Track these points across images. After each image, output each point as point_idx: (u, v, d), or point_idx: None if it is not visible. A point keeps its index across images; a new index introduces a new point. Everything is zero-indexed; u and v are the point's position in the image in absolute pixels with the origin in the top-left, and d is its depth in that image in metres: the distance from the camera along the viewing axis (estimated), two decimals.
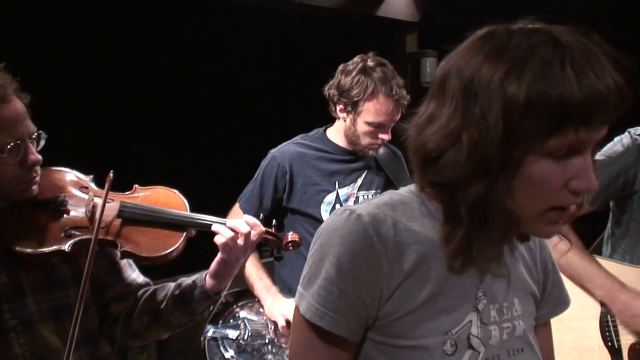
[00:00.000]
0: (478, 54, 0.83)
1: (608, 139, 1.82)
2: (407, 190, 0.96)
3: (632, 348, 1.71)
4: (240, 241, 1.41)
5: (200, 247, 1.61)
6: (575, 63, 0.78)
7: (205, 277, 1.45)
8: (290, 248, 1.60)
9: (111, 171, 1.42)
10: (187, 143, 2.92)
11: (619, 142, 1.82)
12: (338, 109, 2.13)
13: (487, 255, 0.89)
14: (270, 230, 1.55)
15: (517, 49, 0.80)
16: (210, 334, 1.98)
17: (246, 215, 1.50)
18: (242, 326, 2.00)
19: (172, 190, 1.54)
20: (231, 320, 2.02)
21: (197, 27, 2.92)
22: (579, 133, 0.80)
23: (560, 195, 0.83)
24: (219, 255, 1.43)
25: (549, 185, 0.83)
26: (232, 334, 1.98)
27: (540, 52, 0.79)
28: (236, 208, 2.20)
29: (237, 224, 1.43)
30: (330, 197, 2.13)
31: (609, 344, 1.74)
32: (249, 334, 1.98)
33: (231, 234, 1.42)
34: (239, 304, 2.07)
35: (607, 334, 1.75)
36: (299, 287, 0.93)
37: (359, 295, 0.87)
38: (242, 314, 2.04)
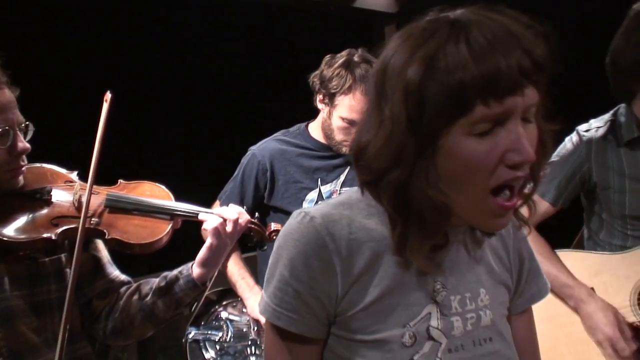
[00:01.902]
0: (392, 46, 0.85)
1: (560, 140, 1.87)
2: None
3: None
4: (229, 227, 1.47)
5: (182, 246, 1.59)
6: (472, 41, 0.78)
7: (191, 267, 1.48)
8: (274, 238, 1.64)
9: (108, 91, 1.42)
10: (169, 140, 2.86)
11: (570, 141, 1.86)
12: (318, 98, 2.11)
13: (420, 253, 0.88)
14: (254, 220, 1.59)
15: (418, 34, 0.82)
16: (192, 335, 1.94)
17: (232, 204, 1.55)
18: (224, 327, 1.97)
19: (157, 184, 1.57)
20: (214, 322, 1.98)
21: (176, 22, 2.85)
22: (492, 107, 0.78)
23: (498, 172, 0.82)
24: (208, 241, 1.47)
25: (481, 163, 0.81)
26: (215, 335, 1.95)
27: (437, 35, 0.80)
28: (216, 206, 2.16)
29: (225, 211, 1.50)
30: (313, 195, 2.10)
31: None
32: (232, 336, 1.95)
33: (220, 219, 1.46)
34: (222, 304, 2.04)
35: None
36: (262, 289, 0.96)
37: (314, 295, 0.89)
38: (225, 314, 2.01)
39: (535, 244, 1.84)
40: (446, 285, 0.93)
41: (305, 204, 2.09)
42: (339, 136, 2.07)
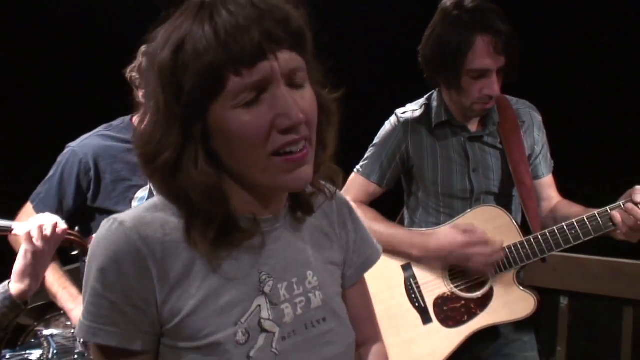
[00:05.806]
0: (161, 30, 0.85)
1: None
2: None
3: (435, 304, 1.89)
4: (46, 231, 1.39)
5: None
6: (216, 19, 0.79)
7: (8, 284, 1.38)
8: None
9: None
10: None
11: (389, 123, 2.01)
12: (141, 94, 1.97)
13: (205, 242, 0.86)
14: (74, 232, 1.52)
15: (175, 16, 0.84)
16: (7, 359, 1.72)
17: (45, 214, 1.45)
18: (45, 344, 1.78)
19: None
20: (32, 340, 1.78)
21: None
22: (245, 75, 0.79)
23: (272, 138, 0.82)
24: (22, 249, 1.38)
25: (252, 133, 0.81)
26: (34, 354, 1.75)
27: (186, 15, 0.82)
28: (28, 209, 1.93)
29: (37, 223, 1.40)
30: (143, 193, 1.98)
31: (416, 304, 1.90)
32: (54, 352, 1.77)
33: (36, 224, 1.38)
34: (43, 320, 1.84)
35: (413, 295, 1.91)
36: None
37: (132, 304, 0.84)
38: (46, 331, 1.81)
39: (366, 212, 1.97)
40: (272, 274, 0.92)
41: (134, 203, 1.96)
42: None
